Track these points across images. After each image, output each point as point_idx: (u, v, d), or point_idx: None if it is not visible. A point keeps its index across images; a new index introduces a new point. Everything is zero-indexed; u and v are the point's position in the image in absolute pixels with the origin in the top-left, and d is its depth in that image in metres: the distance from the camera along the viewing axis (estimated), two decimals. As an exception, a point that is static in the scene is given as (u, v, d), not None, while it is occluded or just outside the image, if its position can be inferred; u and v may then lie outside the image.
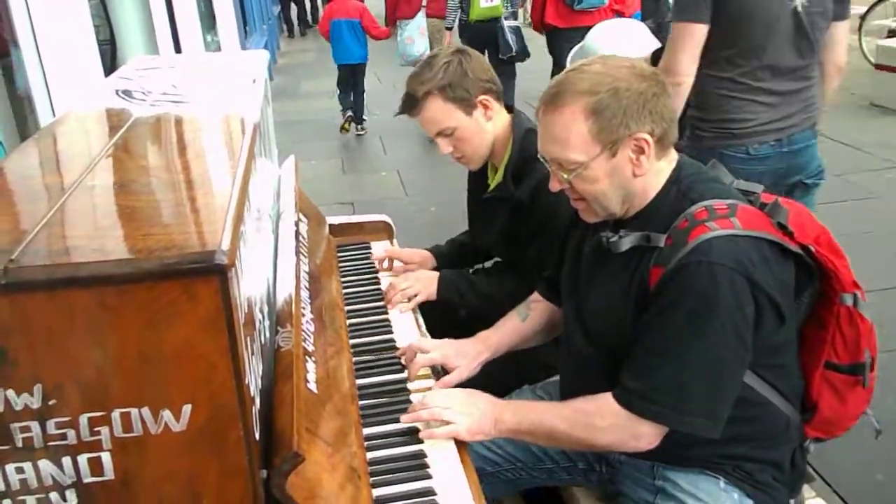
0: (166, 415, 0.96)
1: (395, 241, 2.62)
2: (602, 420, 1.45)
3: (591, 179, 1.44)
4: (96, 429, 0.95)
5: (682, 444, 1.48)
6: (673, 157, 1.50)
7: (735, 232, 1.35)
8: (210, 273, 0.91)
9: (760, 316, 1.37)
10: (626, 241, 1.45)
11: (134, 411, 0.95)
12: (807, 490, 1.74)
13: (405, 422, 1.55)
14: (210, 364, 0.95)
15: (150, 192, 1.17)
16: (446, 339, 1.85)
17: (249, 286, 1.18)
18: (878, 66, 7.08)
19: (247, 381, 1.02)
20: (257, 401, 1.12)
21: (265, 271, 1.53)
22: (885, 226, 4.61)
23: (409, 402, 1.68)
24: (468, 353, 1.79)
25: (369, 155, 7.05)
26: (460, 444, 1.54)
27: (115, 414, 0.95)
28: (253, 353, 1.12)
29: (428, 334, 2.02)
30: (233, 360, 0.96)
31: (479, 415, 1.52)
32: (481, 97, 1.96)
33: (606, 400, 1.45)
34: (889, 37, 7.88)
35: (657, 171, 1.46)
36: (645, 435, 1.43)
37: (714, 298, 1.33)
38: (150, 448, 0.97)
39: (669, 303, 1.37)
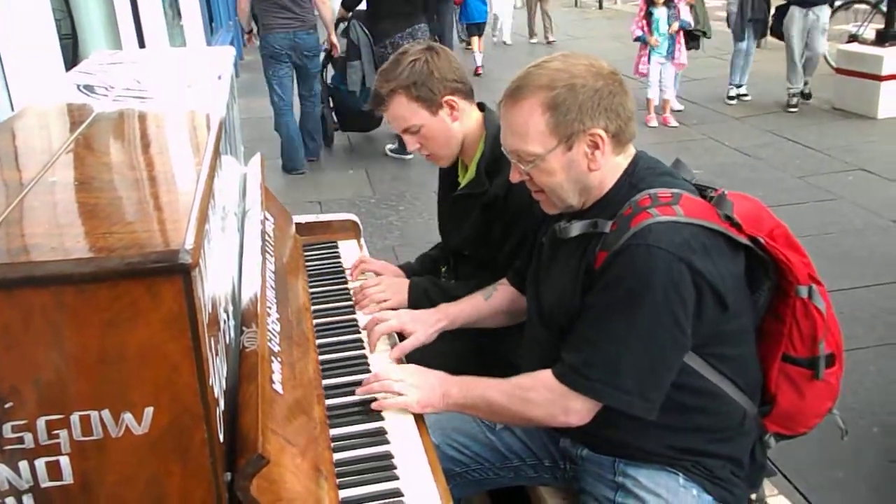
0: (127, 417, 0.94)
1: (362, 240, 2.60)
2: (536, 394, 1.50)
3: (548, 172, 1.49)
4: (54, 432, 0.93)
5: (636, 433, 1.50)
6: (630, 152, 1.54)
7: (676, 219, 1.39)
8: (173, 272, 0.89)
9: (701, 302, 1.40)
10: (575, 228, 1.50)
11: (94, 414, 0.93)
12: (768, 487, 1.76)
13: (359, 393, 1.61)
14: (173, 365, 0.93)
15: (111, 189, 1.15)
16: (404, 309, 1.91)
17: (214, 285, 1.15)
18: (839, 70, 7.23)
19: (210, 383, 1.00)
20: (221, 402, 1.10)
21: (230, 270, 1.51)
22: (845, 227, 4.70)
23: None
24: (426, 321, 1.85)
25: (337, 153, 7.01)
26: (428, 444, 1.53)
27: (75, 417, 0.92)
28: (217, 354, 1.10)
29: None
30: (196, 361, 0.94)
31: (428, 388, 1.58)
32: (447, 97, 1.95)
33: (544, 375, 1.50)
34: (850, 41, 8.03)
35: (613, 165, 1.50)
36: (575, 410, 1.47)
37: (649, 279, 1.36)
38: (111, 451, 0.95)
39: (607, 282, 1.41)
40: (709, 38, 7.45)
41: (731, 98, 7.80)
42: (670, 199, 1.42)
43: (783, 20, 7.11)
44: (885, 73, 6.68)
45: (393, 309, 2.08)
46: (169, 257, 0.89)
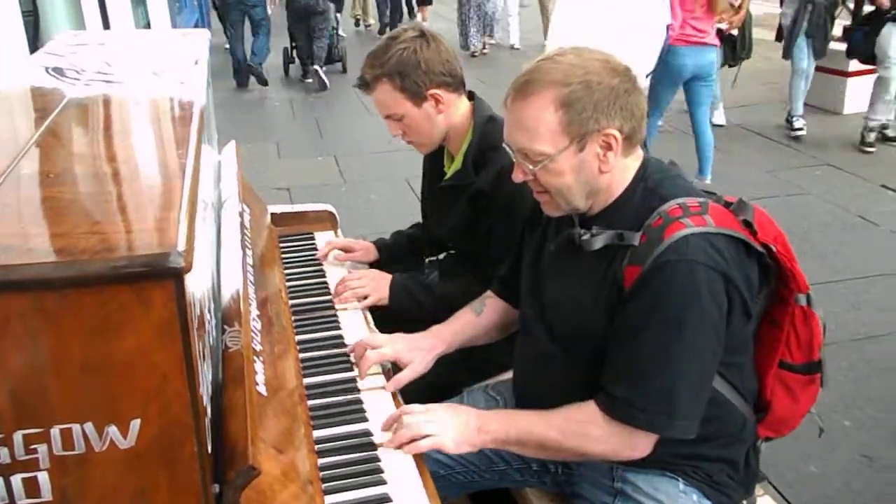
0: (112, 430, 0.88)
1: (339, 231, 2.54)
2: (595, 429, 1.41)
3: (556, 172, 1.41)
4: (32, 447, 0.86)
5: None
6: (639, 154, 1.47)
7: (708, 229, 1.34)
8: (164, 277, 0.83)
9: (731, 312, 1.37)
10: (600, 240, 1.41)
11: (76, 427, 0.86)
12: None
13: (388, 446, 1.46)
14: (162, 375, 0.87)
15: (93, 184, 1.07)
16: (397, 334, 1.78)
17: (198, 284, 1.09)
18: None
19: (200, 392, 0.94)
20: (209, 410, 1.04)
21: (209, 264, 1.44)
22: (814, 222, 4.75)
23: (360, 401, 1.62)
24: (422, 348, 1.73)
25: (305, 139, 6.90)
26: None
27: (55, 430, 0.86)
28: (204, 359, 1.04)
29: (377, 329, 1.95)
30: (187, 370, 0.88)
31: (462, 424, 1.46)
32: (433, 90, 1.90)
33: (595, 408, 1.42)
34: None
35: (623, 167, 1.44)
36: (640, 444, 1.41)
37: (694, 298, 1.31)
38: (94, 466, 0.89)
39: (648, 305, 1.34)
40: (749, 58, 6.55)
41: (796, 129, 6.35)
42: (700, 209, 1.36)
43: (873, 40, 5.83)
44: (851, 69, 6.75)
45: (374, 305, 2.03)
46: (160, 260, 0.83)
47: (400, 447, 1.45)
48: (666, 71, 4.83)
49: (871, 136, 5.96)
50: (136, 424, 0.88)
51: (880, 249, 4.38)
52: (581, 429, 1.42)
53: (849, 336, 3.46)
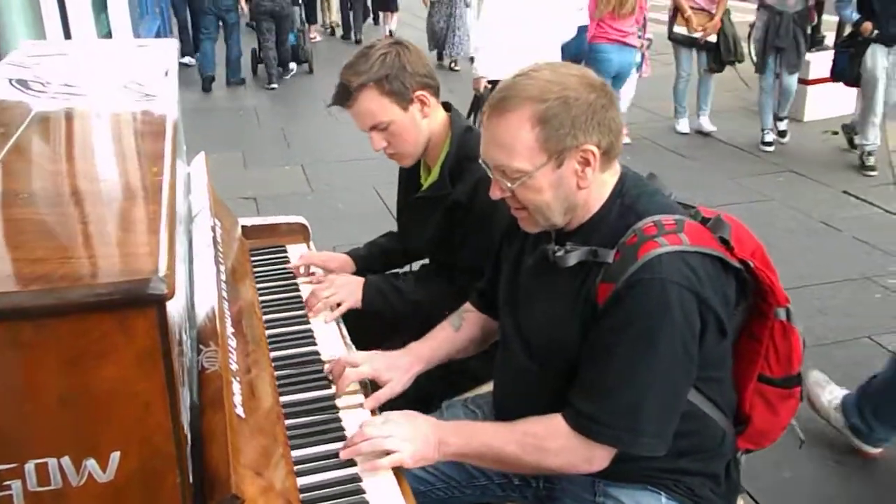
0: (90, 464, 0.84)
1: (311, 244, 2.50)
2: (553, 443, 1.41)
3: (534, 189, 1.40)
4: (6, 483, 0.82)
5: (622, 458, 1.45)
6: (616, 169, 1.47)
7: (683, 248, 1.34)
8: (147, 304, 0.79)
9: (705, 331, 1.36)
10: (573, 257, 1.40)
11: (52, 461, 0.83)
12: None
13: (345, 456, 1.45)
14: (144, 405, 0.84)
15: (67, 205, 1.03)
16: (376, 352, 1.76)
17: (175, 306, 1.06)
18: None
19: (182, 420, 0.91)
20: (189, 437, 1.01)
21: (183, 282, 1.40)
22: (778, 228, 4.82)
23: (339, 419, 1.59)
24: (400, 366, 1.71)
25: (272, 148, 6.82)
26: (397, 467, 1.46)
27: (30, 465, 0.82)
28: (184, 384, 1.01)
29: (352, 345, 1.93)
30: (170, 398, 0.85)
31: (421, 439, 1.45)
32: (418, 92, 1.88)
33: (557, 422, 1.41)
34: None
35: (601, 183, 1.43)
36: (597, 458, 1.41)
37: (665, 317, 1.31)
38: (71, 502, 0.85)
39: (620, 322, 1.34)
40: (741, 61, 6.63)
41: (767, 143, 6.31)
42: (675, 227, 1.36)
43: (858, 62, 5.62)
44: (811, 77, 6.87)
45: (351, 308, 2.01)
46: (141, 287, 0.79)
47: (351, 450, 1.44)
48: (593, 68, 5.06)
49: (871, 160, 5.72)
50: (115, 457, 0.85)
51: (844, 255, 4.46)
52: (539, 443, 1.42)
53: (815, 342, 3.50)
